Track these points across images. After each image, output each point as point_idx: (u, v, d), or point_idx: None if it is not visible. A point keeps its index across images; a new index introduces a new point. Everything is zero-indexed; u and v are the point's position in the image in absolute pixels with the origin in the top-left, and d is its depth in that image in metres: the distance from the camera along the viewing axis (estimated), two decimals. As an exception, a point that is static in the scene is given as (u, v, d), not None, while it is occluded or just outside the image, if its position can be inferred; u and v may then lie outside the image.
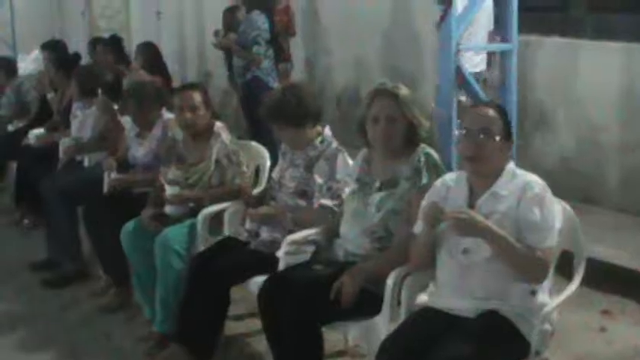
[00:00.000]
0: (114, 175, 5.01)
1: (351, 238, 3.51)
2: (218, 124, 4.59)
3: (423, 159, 3.43)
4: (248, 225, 4.08)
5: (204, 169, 4.50)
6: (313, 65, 9.16)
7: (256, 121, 6.61)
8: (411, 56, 7.82)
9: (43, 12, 15.06)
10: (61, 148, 6.32)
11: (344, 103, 8.38)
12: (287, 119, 3.96)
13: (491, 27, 6.15)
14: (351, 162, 3.93)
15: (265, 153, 4.78)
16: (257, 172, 4.81)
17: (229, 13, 8.15)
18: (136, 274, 4.57)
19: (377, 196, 3.47)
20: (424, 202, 3.20)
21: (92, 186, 5.31)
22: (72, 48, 8.29)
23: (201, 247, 4.25)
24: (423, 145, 3.50)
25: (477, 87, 5.01)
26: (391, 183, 3.46)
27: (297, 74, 8.62)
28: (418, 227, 3.20)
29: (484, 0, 5.17)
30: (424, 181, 3.38)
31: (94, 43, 8.40)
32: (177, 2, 11.82)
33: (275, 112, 3.99)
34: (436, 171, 3.42)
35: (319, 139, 4.02)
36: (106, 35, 9.21)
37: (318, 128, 4.04)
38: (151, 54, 7.31)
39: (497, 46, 5.33)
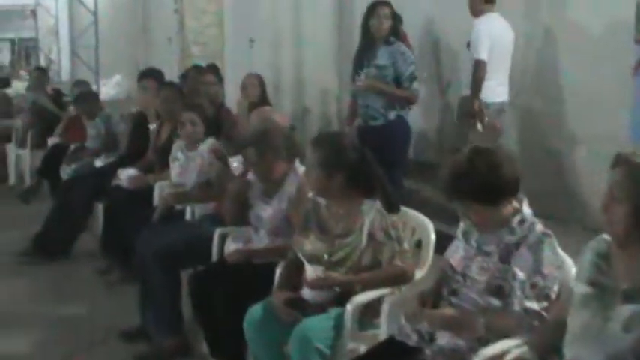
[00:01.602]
0: (232, 246, 4.14)
1: (587, 365, 2.57)
2: (373, 188, 3.68)
3: (695, 261, 2.48)
4: (417, 324, 3.15)
5: (353, 243, 3.57)
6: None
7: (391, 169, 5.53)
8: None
9: (127, 38, 14.60)
10: (157, 194, 5.54)
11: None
12: (477, 195, 3.01)
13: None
14: (560, 251, 3.01)
15: (429, 225, 3.79)
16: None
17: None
18: (261, 369, 3.70)
19: (624, 310, 2.51)
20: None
21: (199, 247, 4.51)
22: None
23: (349, 345, 3.37)
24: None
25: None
26: (646, 292, 2.51)
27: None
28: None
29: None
30: (698, 293, 2.43)
31: (199, 70, 7.53)
32: (273, 29, 10.95)
33: (460, 185, 3.02)
34: None
35: (517, 218, 3.06)
36: (202, 63, 8.43)
37: (515, 204, 3.09)
38: (261, 87, 6.43)
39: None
